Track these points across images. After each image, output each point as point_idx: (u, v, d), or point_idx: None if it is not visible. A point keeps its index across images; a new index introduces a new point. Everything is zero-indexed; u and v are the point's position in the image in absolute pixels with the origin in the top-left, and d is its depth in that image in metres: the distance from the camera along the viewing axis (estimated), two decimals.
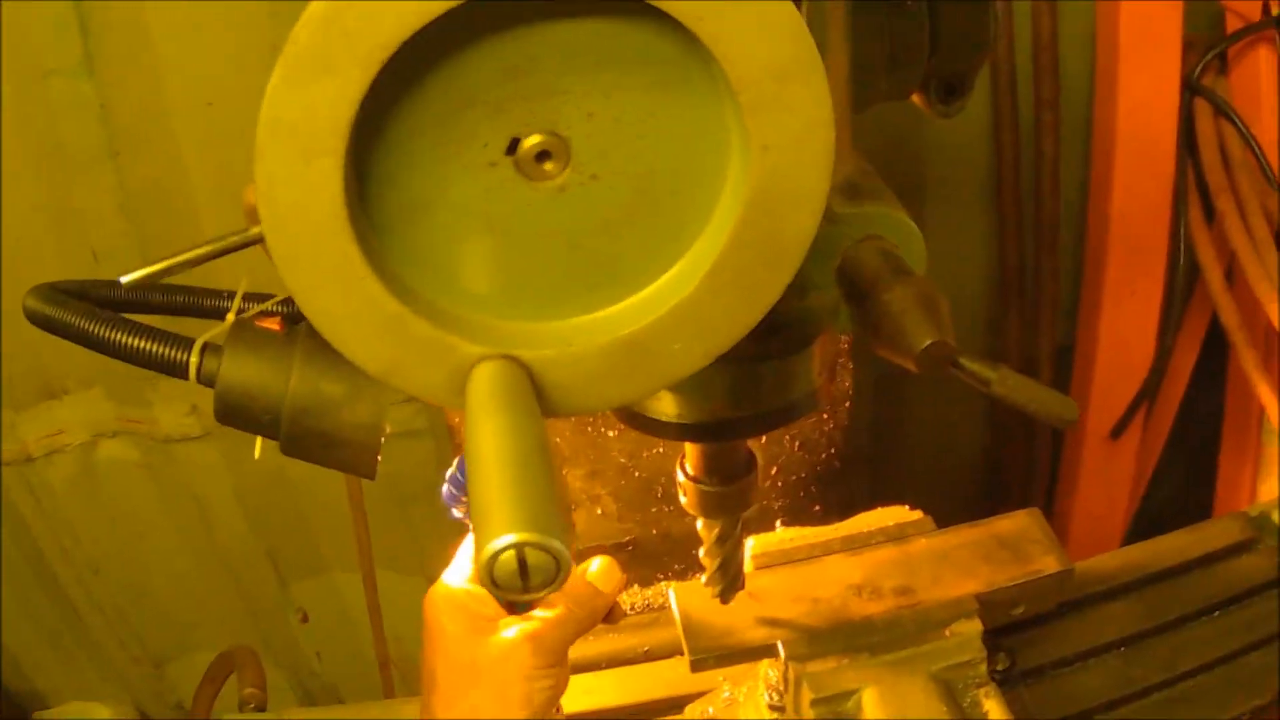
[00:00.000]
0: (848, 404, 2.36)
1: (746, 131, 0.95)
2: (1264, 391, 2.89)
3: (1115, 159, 2.95)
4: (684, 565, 1.82)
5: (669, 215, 1.03)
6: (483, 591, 1.49)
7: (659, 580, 2.01)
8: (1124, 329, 3.12)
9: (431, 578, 1.53)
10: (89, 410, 3.24)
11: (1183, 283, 3.05)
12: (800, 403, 1.41)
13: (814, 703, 1.68)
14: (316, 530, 3.50)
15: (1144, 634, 2.02)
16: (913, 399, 3.59)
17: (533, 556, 0.85)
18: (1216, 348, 3.18)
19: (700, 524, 1.65)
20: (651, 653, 2.00)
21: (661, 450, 2.12)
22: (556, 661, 1.45)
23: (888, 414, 3.55)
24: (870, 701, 1.67)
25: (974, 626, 1.75)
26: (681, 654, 1.80)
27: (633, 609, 2.03)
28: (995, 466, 3.74)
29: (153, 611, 3.68)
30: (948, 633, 1.75)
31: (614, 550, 1.74)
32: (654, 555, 1.65)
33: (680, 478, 1.57)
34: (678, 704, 1.91)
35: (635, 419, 1.42)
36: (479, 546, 0.84)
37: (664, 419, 1.39)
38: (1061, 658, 1.98)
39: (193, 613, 3.68)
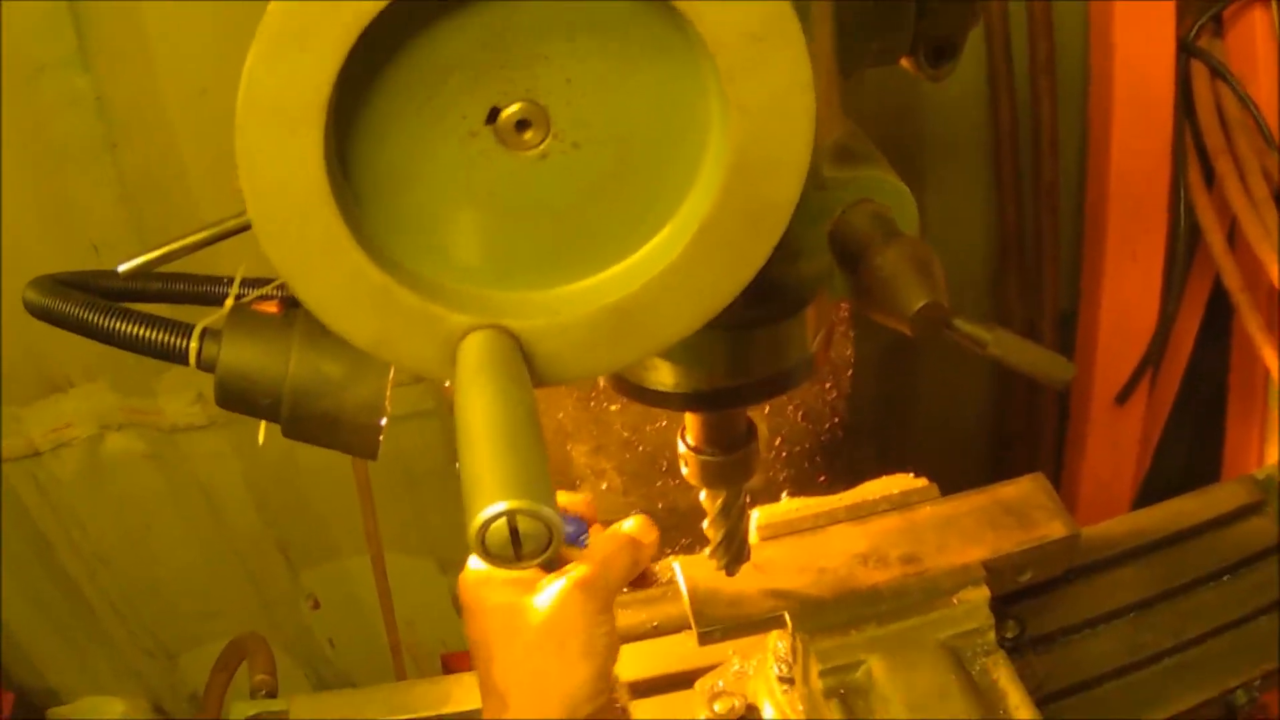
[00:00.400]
0: (850, 373, 2.35)
1: (725, 95, 0.95)
2: (1269, 354, 2.89)
3: (1112, 123, 2.95)
4: (691, 539, 1.82)
5: (652, 181, 1.02)
6: None
7: (666, 554, 2.00)
8: (1126, 293, 3.11)
9: (442, 559, 1.52)
10: (94, 403, 3.25)
11: (1184, 246, 3.05)
12: (797, 369, 1.41)
13: (822, 673, 1.68)
14: (326, 515, 3.51)
15: (1153, 599, 2.02)
16: (919, 368, 3.60)
17: (524, 524, 0.84)
18: (1220, 310, 3.17)
19: (704, 495, 1.65)
20: (660, 628, 2.00)
21: (665, 424, 2.11)
22: (607, 606, 1.44)
23: (894, 383, 3.56)
24: (879, 670, 1.67)
25: (981, 594, 1.75)
26: (689, 628, 1.80)
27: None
28: (1001, 435, 3.74)
29: (164, 603, 3.69)
30: (955, 600, 1.75)
31: None
32: (660, 529, 1.64)
33: (682, 449, 1.57)
34: (688, 678, 1.91)
35: (633, 390, 1.42)
36: (470, 516, 0.84)
37: (662, 389, 1.39)
38: (1070, 624, 1.98)
39: (204, 603, 3.69)
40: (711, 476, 1.59)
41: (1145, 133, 2.95)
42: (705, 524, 1.70)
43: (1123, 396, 3.20)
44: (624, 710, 1.60)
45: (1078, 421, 3.39)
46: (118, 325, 1.28)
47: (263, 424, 1.34)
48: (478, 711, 1.49)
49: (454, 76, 0.95)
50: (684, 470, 1.60)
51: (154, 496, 3.43)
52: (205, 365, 1.29)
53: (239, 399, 1.31)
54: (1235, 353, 3.26)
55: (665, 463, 2.16)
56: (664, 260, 1.02)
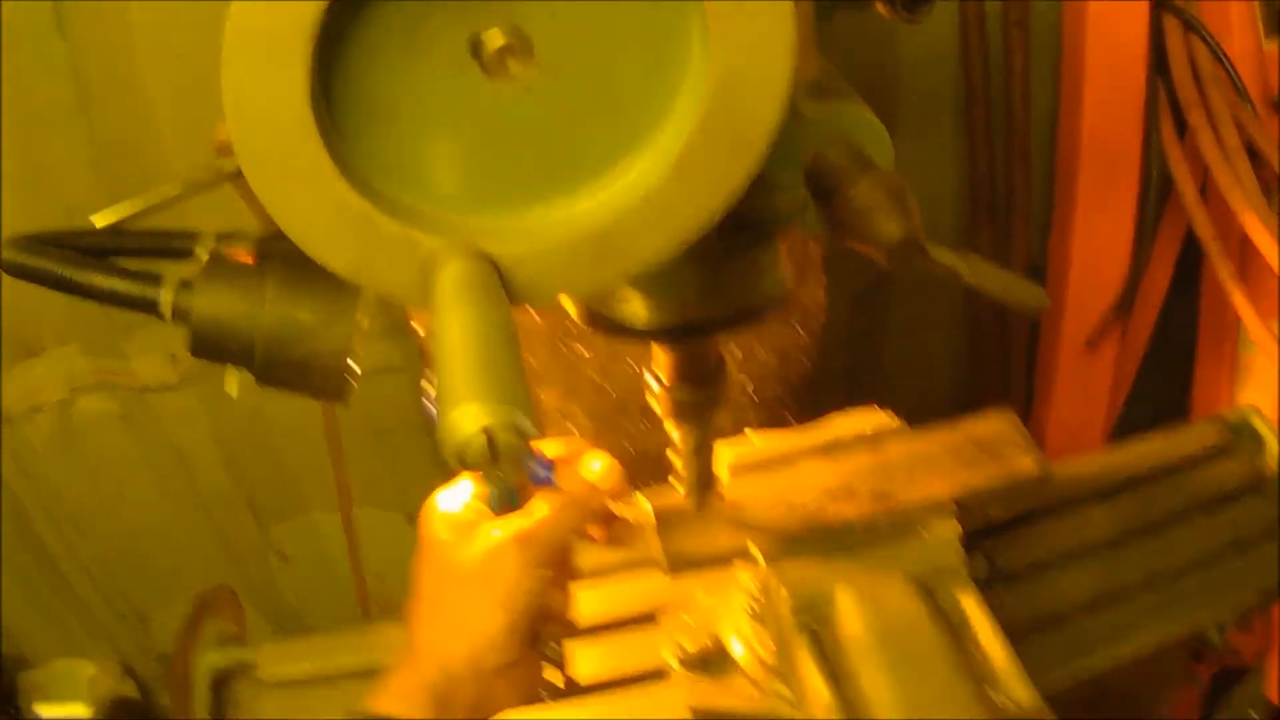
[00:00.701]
0: (821, 317, 2.36)
1: (707, 23, 0.96)
2: (1239, 301, 2.90)
3: (1085, 76, 2.96)
4: (659, 483, 1.82)
5: (634, 109, 1.04)
6: (477, 504, 1.47)
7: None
8: (1097, 244, 3.12)
9: (411, 512, 1.51)
10: (66, 366, 3.22)
11: (1155, 197, 3.06)
12: (768, 301, 1.43)
13: (792, 608, 1.69)
14: (295, 470, 3.51)
15: (1123, 537, 2.04)
16: (888, 313, 3.61)
17: (500, 432, 0.86)
18: (1192, 260, 3.19)
19: (673, 431, 1.66)
20: (627, 563, 1.99)
21: (635, 368, 2.12)
22: (543, 562, 1.42)
23: (862, 328, 3.57)
24: (848, 604, 1.67)
25: (951, 527, 1.75)
26: (657, 563, 1.81)
27: None
28: (971, 381, 3.75)
29: (136, 566, 3.67)
30: (925, 534, 1.75)
31: None
32: (629, 473, 1.64)
33: (652, 384, 1.59)
34: (654, 615, 1.92)
35: (605, 323, 1.43)
36: (445, 423, 0.85)
37: (634, 322, 1.41)
38: (1041, 560, 2.00)
39: (174, 563, 3.68)
40: (681, 411, 1.60)
41: (1118, 86, 2.96)
42: (671, 453, 1.71)
43: (1093, 340, 3.21)
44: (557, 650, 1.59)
45: (1046, 368, 3.40)
46: (92, 279, 1.29)
47: (233, 374, 1.34)
48: None
49: (440, 6, 0.96)
50: (654, 405, 1.61)
51: (125, 458, 3.42)
52: (180, 315, 1.30)
53: (213, 348, 1.31)
54: (1205, 300, 3.27)
55: (635, 406, 2.16)
56: (644, 186, 1.04)
